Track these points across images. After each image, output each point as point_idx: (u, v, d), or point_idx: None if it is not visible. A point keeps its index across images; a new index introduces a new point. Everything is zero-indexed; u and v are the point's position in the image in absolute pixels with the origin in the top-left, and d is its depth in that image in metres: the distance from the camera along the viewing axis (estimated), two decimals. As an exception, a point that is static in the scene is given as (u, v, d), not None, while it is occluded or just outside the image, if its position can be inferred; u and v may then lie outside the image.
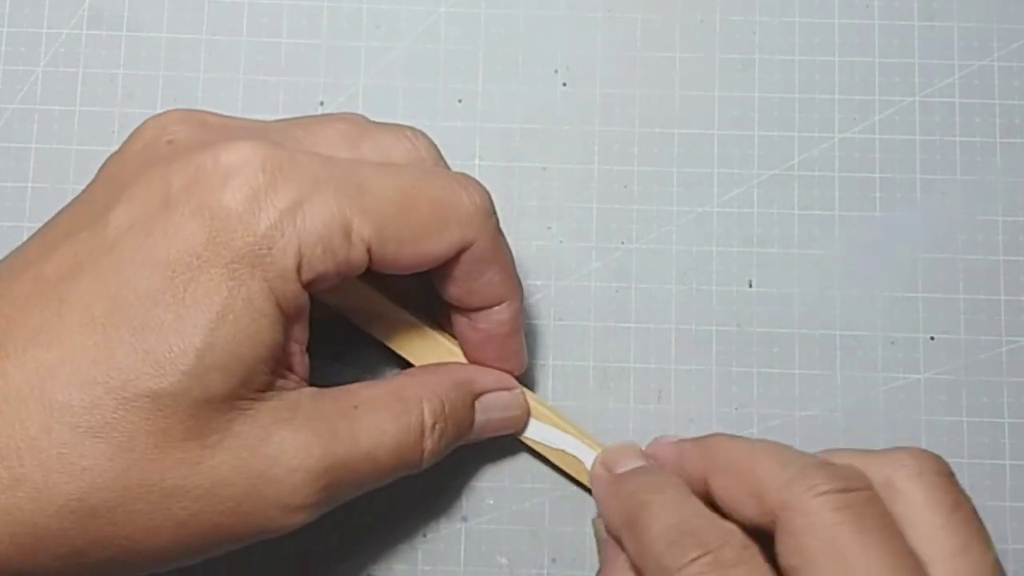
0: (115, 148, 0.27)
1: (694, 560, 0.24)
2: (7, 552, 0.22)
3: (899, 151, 0.34)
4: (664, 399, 0.32)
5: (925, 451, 0.25)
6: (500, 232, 0.28)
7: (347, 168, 0.25)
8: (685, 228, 0.33)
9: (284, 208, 0.24)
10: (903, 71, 0.34)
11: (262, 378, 0.24)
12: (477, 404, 0.29)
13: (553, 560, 0.31)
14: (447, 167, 0.28)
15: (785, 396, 0.32)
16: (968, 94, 0.34)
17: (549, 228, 0.33)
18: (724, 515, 0.25)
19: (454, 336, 0.30)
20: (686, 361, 0.32)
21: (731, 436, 0.28)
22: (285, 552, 0.30)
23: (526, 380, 0.32)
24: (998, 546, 0.31)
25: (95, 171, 0.27)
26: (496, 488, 0.32)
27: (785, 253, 0.33)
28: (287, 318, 0.24)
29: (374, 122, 0.28)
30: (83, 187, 0.27)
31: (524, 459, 0.32)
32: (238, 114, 0.29)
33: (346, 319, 0.30)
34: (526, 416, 0.30)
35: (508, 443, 0.32)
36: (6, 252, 0.26)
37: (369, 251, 0.25)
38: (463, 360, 0.30)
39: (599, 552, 0.30)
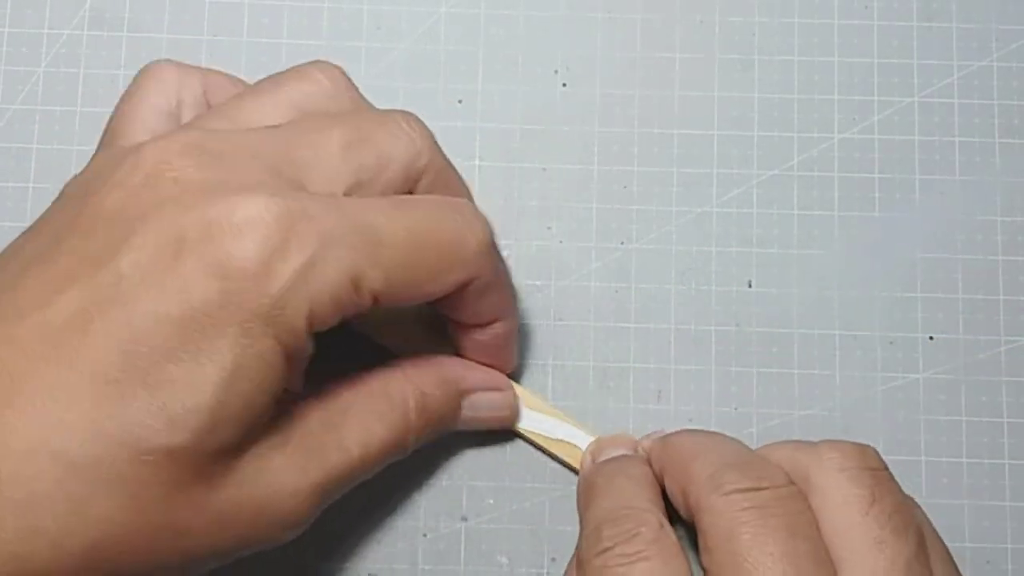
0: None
1: (603, 551, 0.24)
2: None
3: (898, 151, 0.34)
4: (663, 399, 0.32)
5: (853, 444, 0.24)
6: (500, 259, 0.28)
7: (360, 216, 0.25)
8: (685, 228, 0.33)
9: (298, 267, 0.24)
10: (902, 72, 0.34)
11: (264, 420, 0.25)
12: (465, 402, 0.29)
13: (553, 560, 0.31)
14: (442, 153, 0.28)
15: (784, 396, 0.32)
16: (967, 95, 0.34)
17: (549, 228, 0.33)
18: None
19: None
20: (685, 361, 0.32)
21: (692, 432, 0.28)
22: (284, 552, 0.30)
23: (526, 381, 0.32)
24: (997, 546, 0.32)
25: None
26: (496, 488, 0.32)
27: (784, 253, 0.33)
28: (293, 365, 0.25)
29: (367, 113, 0.28)
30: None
31: (524, 459, 0.32)
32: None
33: None
34: (516, 415, 0.31)
35: (509, 442, 0.32)
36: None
37: (375, 297, 0.25)
38: (452, 351, 0.30)
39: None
